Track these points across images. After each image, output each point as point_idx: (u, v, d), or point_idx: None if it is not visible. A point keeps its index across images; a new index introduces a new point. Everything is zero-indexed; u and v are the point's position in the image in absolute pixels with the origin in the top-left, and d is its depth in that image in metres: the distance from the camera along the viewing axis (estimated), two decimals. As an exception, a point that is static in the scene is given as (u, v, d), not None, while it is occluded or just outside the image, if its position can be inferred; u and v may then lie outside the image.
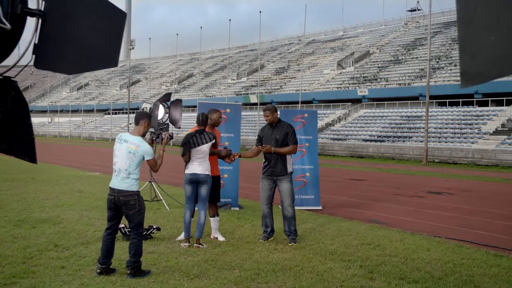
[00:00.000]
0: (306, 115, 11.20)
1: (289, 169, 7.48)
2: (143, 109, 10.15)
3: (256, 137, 7.75)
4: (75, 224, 8.08)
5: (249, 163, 24.13)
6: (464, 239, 7.76)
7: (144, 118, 5.73)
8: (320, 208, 10.81)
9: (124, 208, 5.47)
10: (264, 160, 7.51)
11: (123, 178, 5.47)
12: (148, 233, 7.15)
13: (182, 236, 7.27)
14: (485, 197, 13.61)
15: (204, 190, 6.95)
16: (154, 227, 7.28)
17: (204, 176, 6.91)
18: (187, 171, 6.96)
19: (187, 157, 6.98)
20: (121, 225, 6.54)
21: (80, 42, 2.69)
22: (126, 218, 5.57)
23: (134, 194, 5.47)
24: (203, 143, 6.92)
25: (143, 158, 5.54)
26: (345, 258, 6.37)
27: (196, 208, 7.15)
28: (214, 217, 7.42)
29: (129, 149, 5.51)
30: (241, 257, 6.32)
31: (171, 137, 6.76)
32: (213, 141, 7.02)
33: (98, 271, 5.48)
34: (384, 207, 11.40)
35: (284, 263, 6.09)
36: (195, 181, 6.92)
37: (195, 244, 6.82)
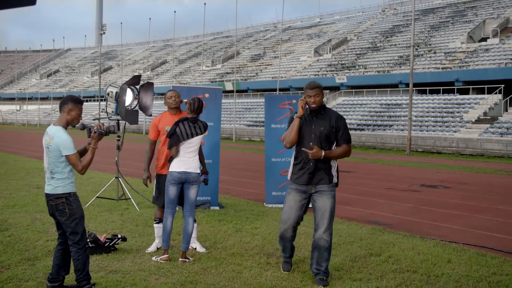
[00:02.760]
0: (294, 101, 9.94)
1: (334, 179, 5.10)
2: (108, 94, 8.79)
3: (288, 122, 5.20)
4: (24, 232, 6.71)
5: (228, 152, 22.76)
6: (484, 245, 6.68)
7: (67, 103, 4.34)
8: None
9: (57, 214, 4.35)
10: (294, 160, 5.18)
11: (48, 179, 4.36)
12: (111, 244, 5.87)
13: (153, 248, 6.01)
14: (484, 191, 12.61)
15: (193, 192, 5.68)
16: (119, 236, 5.98)
17: (195, 175, 5.65)
18: (174, 169, 5.62)
19: (175, 150, 5.62)
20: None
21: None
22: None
23: (61, 196, 4.29)
24: (197, 134, 5.63)
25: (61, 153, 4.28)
26: (354, 276, 5.18)
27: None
28: (192, 223, 6.15)
29: (45, 143, 4.34)
30: (227, 276, 5.08)
31: (104, 132, 4.48)
32: (206, 132, 5.81)
33: None
34: (380, 204, 10.28)
35: (282, 285, 4.87)
36: (183, 181, 5.63)
37: (180, 259, 5.54)
